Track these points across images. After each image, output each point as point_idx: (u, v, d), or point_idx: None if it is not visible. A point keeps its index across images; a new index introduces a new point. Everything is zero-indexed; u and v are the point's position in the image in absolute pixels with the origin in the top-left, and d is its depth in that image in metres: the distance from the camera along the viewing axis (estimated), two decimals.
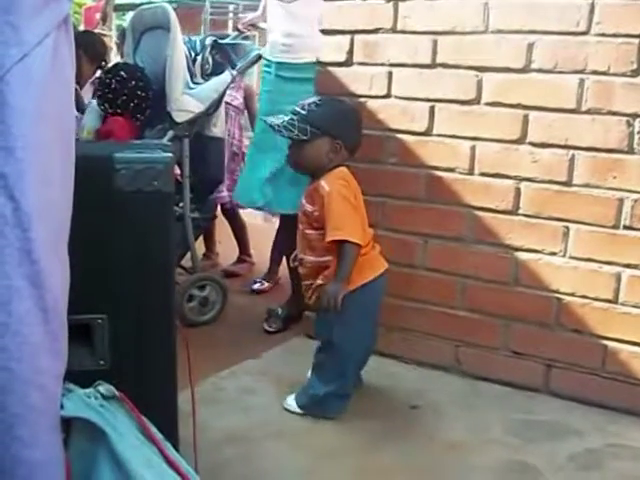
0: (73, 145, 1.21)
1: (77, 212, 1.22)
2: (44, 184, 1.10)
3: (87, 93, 4.00)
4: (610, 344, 2.37)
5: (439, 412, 2.35)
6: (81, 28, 7.06)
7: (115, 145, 2.01)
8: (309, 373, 2.38)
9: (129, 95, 3.19)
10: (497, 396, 2.48)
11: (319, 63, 2.81)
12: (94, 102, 3.33)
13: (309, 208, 2.28)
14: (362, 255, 2.24)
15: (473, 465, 2.03)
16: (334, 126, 2.29)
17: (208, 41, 3.50)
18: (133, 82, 3.19)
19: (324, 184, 2.24)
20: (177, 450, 1.49)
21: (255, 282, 3.78)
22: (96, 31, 6.17)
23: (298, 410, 2.31)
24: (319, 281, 2.27)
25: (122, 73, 3.21)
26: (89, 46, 4.04)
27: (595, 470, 2.04)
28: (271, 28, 3.17)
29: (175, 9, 3.28)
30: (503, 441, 2.18)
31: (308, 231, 2.29)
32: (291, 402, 2.33)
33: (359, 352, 2.34)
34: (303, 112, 2.29)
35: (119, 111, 3.19)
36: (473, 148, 2.51)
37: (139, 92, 3.20)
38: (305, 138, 2.26)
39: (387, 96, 2.65)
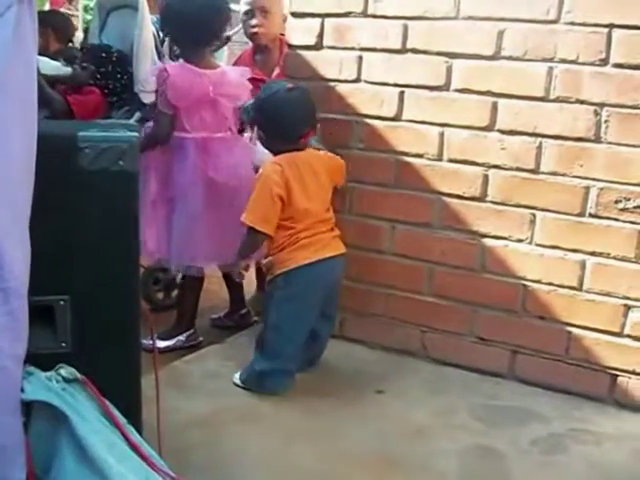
0: (35, 122, 1.18)
1: (40, 191, 1.20)
2: (2, 161, 1.08)
3: None
4: (574, 331, 2.39)
5: (405, 397, 2.36)
6: (47, 7, 6.92)
7: (80, 124, 1.97)
8: None
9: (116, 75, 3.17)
10: (463, 381, 2.49)
11: (289, 46, 2.79)
12: None
13: None
14: (303, 238, 2.30)
15: (438, 449, 2.04)
16: (257, 116, 2.38)
17: None
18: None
19: (264, 167, 2.33)
20: (140, 434, 1.47)
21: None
22: (62, 10, 6.07)
23: (240, 384, 2.35)
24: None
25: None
26: (57, 25, 3.97)
27: (559, 454, 2.07)
28: None
29: None
30: (468, 426, 2.19)
31: None
32: (237, 376, 2.38)
33: (298, 332, 2.34)
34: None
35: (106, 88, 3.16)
36: (442, 134, 2.51)
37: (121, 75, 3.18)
38: (249, 123, 2.48)
39: (357, 80, 2.63)
